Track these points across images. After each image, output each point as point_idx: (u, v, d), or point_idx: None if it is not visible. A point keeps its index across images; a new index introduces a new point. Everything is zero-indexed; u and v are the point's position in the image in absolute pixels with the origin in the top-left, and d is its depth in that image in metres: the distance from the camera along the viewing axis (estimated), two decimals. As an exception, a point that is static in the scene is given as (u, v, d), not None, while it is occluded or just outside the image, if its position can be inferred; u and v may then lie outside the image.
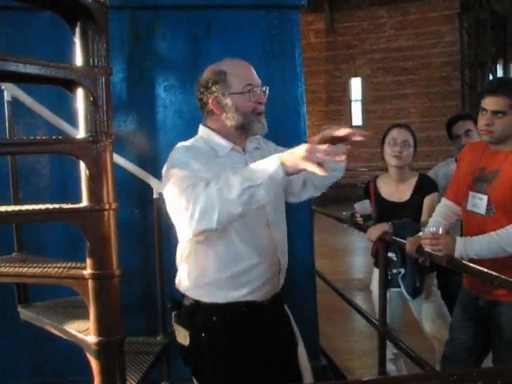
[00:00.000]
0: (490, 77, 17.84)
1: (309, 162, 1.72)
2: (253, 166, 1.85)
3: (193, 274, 2.19)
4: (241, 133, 2.20)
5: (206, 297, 2.19)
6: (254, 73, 2.22)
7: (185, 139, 2.27)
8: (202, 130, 2.26)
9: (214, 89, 2.16)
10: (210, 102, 2.18)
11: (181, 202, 1.89)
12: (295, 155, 1.76)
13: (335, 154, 1.72)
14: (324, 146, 1.74)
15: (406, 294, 3.35)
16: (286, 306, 2.44)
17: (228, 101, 2.15)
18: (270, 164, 1.79)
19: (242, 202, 1.80)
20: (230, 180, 1.82)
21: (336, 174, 2.38)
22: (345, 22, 21.70)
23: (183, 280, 2.23)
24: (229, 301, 2.18)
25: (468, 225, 2.95)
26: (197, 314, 2.21)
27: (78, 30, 1.82)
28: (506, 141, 2.81)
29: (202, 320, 2.20)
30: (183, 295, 2.27)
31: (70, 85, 1.83)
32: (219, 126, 2.21)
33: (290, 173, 1.79)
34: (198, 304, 2.20)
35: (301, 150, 1.75)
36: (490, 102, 2.78)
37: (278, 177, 1.77)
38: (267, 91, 2.22)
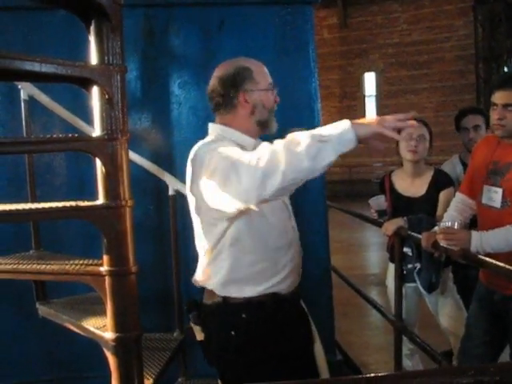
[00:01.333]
0: (505, 70, 17.69)
1: (383, 127, 1.70)
2: (321, 128, 1.76)
3: (223, 271, 2.17)
4: (261, 129, 2.22)
5: (236, 293, 2.18)
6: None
7: (199, 136, 2.24)
8: (217, 128, 2.23)
9: (242, 84, 2.17)
10: (238, 97, 2.18)
11: (238, 167, 1.79)
12: (367, 122, 1.73)
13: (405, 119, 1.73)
14: (393, 116, 1.74)
15: (421, 289, 3.34)
16: (302, 302, 2.46)
17: (256, 96, 2.18)
18: (340, 125, 1.72)
19: (309, 156, 1.69)
20: (297, 136, 1.73)
21: None
22: (358, 16, 21.62)
23: (211, 277, 2.21)
24: (257, 294, 2.18)
25: (483, 219, 2.93)
26: (224, 312, 2.20)
27: (92, 28, 1.84)
28: None
29: (230, 318, 2.19)
30: (202, 294, 2.26)
31: (85, 83, 1.85)
32: (239, 122, 2.20)
33: (361, 135, 1.70)
34: (225, 302, 2.20)
35: (371, 119, 1.74)
36: (499, 96, 2.78)
37: (348, 137, 1.70)
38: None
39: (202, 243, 2.25)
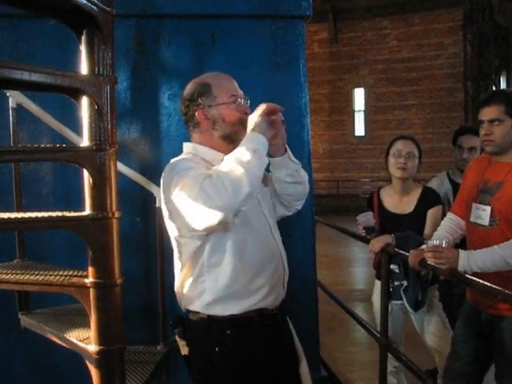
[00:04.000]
0: (493, 88, 17.87)
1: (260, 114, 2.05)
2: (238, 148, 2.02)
3: (206, 291, 2.17)
4: (228, 143, 2.22)
5: (221, 311, 2.17)
6: (237, 85, 2.27)
7: None
8: (188, 146, 2.29)
9: (200, 101, 2.20)
10: (196, 114, 2.21)
11: (205, 189, 1.90)
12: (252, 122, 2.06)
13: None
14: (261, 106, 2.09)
15: (408, 306, 3.34)
16: (288, 319, 2.45)
17: (215, 112, 2.19)
18: (248, 136, 2.04)
19: (258, 163, 1.97)
20: (237, 154, 1.97)
21: (299, 187, 2.41)
22: (348, 32, 21.78)
23: (194, 300, 2.20)
24: (242, 311, 2.17)
25: (471, 237, 2.94)
26: (208, 328, 2.19)
27: (83, 38, 1.82)
28: (509, 151, 2.82)
29: (215, 335, 2.18)
30: (188, 311, 2.25)
31: (74, 93, 1.83)
32: (206, 138, 2.24)
33: (262, 131, 2.05)
34: (210, 319, 2.18)
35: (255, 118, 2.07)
36: (484, 113, 2.82)
37: (261, 138, 2.02)
38: (249, 102, 2.26)
39: (177, 265, 2.27)
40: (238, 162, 1.94)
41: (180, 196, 2.01)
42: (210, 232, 2.07)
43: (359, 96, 22.02)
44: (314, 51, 21.68)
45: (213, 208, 1.90)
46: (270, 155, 2.26)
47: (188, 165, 2.10)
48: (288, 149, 2.36)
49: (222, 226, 2.01)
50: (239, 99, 2.21)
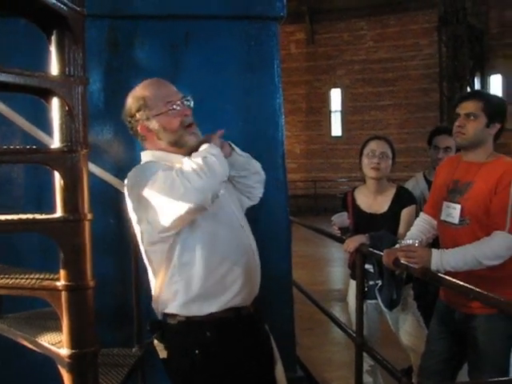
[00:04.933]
0: (468, 89, 18.07)
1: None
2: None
3: (180, 293, 2.18)
4: (178, 147, 2.24)
5: (197, 311, 2.18)
6: (173, 88, 2.27)
7: None
8: (147, 154, 2.30)
9: (138, 116, 2.22)
10: (139, 129, 2.23)
11: (184, 174, 1.99)
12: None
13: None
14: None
15: (382, 305, 3.35)
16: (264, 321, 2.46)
17: (154, 123, 2.21)
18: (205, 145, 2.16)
19: (222, 157, 2.11)
20: (203, 151, 2.11)
21: (255, 177, 2.47)
22: (325, 33, 21.87)
23: (169, 302, 2.21)
24: (219, 308, 2.18)
25: (443, 236, 2.97)
26: (188, 331, 2.20)
27: (53, 38, 1.80)
28: (478, 149, 2.86)
29: (194, 337, 2.19)
30: (165, 314, 2.24)
31: (45, 94, 1.81)
32: (158, 146, 2.26)
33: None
34: (188, 321, 2.19)
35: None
36: (462, 107, 2.86)
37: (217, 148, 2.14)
38: (191, 101, 2.26)
39: (150, 270, 2.28)
40: (206, 153, 2.06)
41: (151, 192, 2.03)
42: (180, 226, 2.08)
43: (336, 96, 22.12)
44: (291, 52, 21.74)
45: (193, 190, 1.96)
46: None
47: (155, 165, 2.13)
48: (233, 145, 2.38)
49: (198, 214, 2.06)
50: (175, 105, 2.21)
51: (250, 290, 2.30)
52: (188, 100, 2.25)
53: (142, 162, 2.29)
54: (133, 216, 2.20)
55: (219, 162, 2.07)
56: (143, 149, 2.33)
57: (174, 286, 2.18)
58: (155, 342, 2.29)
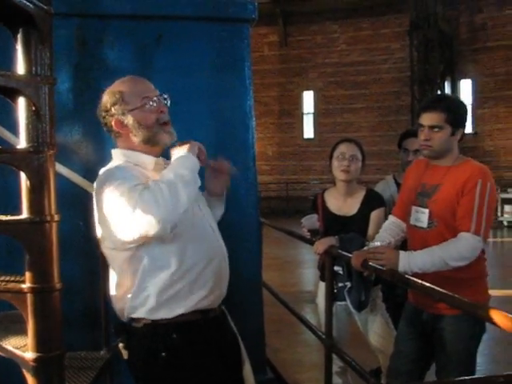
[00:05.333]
0: (438, 92, 18.30)
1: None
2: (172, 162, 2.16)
3: (152, 297, 2.15)
4: (151, 146, 2.22)
5: (166, 314, 2.16)
6: (150, 85, 2.27)
7: None
8: (117, 153, 2.28)
9: (113, 110, 2.20)
10: (113, 124, 2.21)
11: (145, 200, 1.95)
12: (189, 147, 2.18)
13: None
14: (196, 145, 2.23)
15: (351, 307, 3.37)
16: (231, 322, 2.45)
17: (129, 118, 2.19)
18: (181, 154, 2.16)
19: (193, 178, 2.10)
20: (174, 170, 2.08)
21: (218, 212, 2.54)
22: (298, 35, 21.97)
23: (138, 308, 2.18)
24: (186, 311, 2.17)
25: (412, 239, 3.00)
26: (154, 334, 2.18)
27: (19, 37, 1.78)
28: (445, 155, 2.89)
29: (161, 340, 2.17)
30: (131, 319, 2.22)
31: (11, 93, 1.79)
32: (130, 144, 2.24)
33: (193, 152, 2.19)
34: (154, 324, 2.17)
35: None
36: (426, 118, 2.87)
37: (193, 159, 2.16)
38: (168, 100, 2.26)
39: (113, 275, 2.26)
40: (175, 177, 2.03)
41: (114, 206, 2.02)
42: (137, 243, 2.08)
43: (308, 99, 22.23)
44: (264, 54, 21.79)
45: (152, 220, 1.94)
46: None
47: (125, 174, 2.10)
48: (224, 194, 2.48)
49: (155, 239, 2.05)
50: (152, 101, 2.20)
51: (219, 294, 2.30)
52: (165, 98, 2.24)
53: (112, 162, 2.27)
54: (96, 218, 2.18)
55: (188, 186, 2.05)
56: (115, 146, 2.30)
57: (145, 293, 2.15)
58: (120, 345, 2.27)
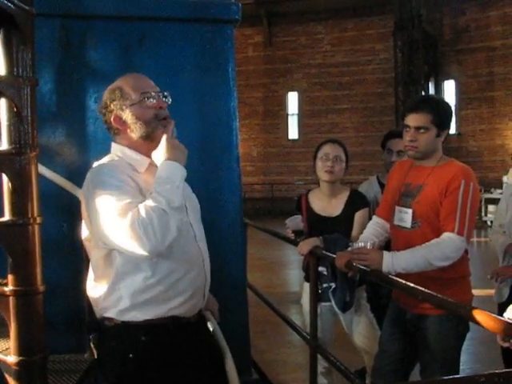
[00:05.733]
0: (423, 93, 18.41)
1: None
2: (159, 179, 2.05)
3: (124, 299, 2.13)
4: (149, 142, 2.20)
5: (135, 316, 2.14)
6: (150, 81, 2.25)
7: None
8: (114, 147, 2.26)
9: (112, 106, 2.18)
10: (112, 120, 2.19)
11: (135, 229, 1.92)
12: (164, 149, 2.11)
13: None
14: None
15: (336, 308, 3.38)
16: (210, 325, 2.45)
17: (127, 113, 2.17)
18: (169, 167, 2.08)
19: (181, 200, 2.04)
20: (164, 193, 2.00)
21: None
22: (283, 36, 22.02)
23: (110, 307, 2.17)
24: (157, 316, 2.15)
25: (395, 239, 3.02)
26: (123, 334, 2.16)
27: (0, 37, 1.78)
28: (430, 156, 2.91)
29: (129, 341, 2.16)
30: (103, 318, 2.21)
31: (-9, 94, 1.78)
32: (129, 142, 2.22)
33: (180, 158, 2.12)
34: (124, 325, 2.15)
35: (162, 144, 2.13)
36: (412, 119, 2.88)
37: (182, 170, 2.10)
38: (169, 97, 2.24)
39: (91, 269, 2.24)
40: (166, 205, 1.97)
41: (99, 212, 2.00)
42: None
43: (293, 100, 22.28)
44: (249, 55, 21.81)
45: (139, 249, 1.94)
46: None
47: (114, 178, 2.06)
48: None
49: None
50: (150, 96, 2.18)
51: (196, 303, 2.26)
52: (165, 96, 2.23)
53: (108, 156, 2.25)
54: (84, 210, 2.15)
55: (178, 214, 2.03)
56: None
57: (117, 293, 2.13)
58: (92, 343, 2.27)
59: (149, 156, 2.20)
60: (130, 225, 1.91)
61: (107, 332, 2.20)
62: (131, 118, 2.16)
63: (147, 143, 2.19)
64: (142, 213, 1.93)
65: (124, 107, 2.16)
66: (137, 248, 1.94)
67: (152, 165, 2.20)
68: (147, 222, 1.91)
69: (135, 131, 2.18)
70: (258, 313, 4.91)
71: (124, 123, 2.18)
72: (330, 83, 21.50)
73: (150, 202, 1.96)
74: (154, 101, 2.18)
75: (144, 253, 1.94)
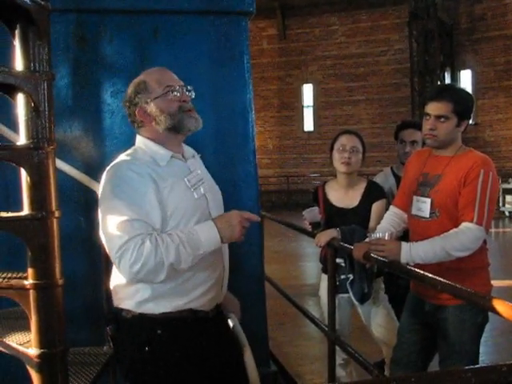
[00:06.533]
0: (439, 83, 18.26)
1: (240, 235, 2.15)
2: (194, 235, 2.09)
3: (141, 291, 2.15)
4: (175, 134, 2.24)
5: (152, 309, 2.16)
6: (174, 76, 2.28)
7: (132, 145, 2.29)
8: (139, 140, 2.29)
9: (137, 100, 2.22)
10: (136, 113, 2.22)
11: (124, 250, 2.01)
12: (231, 229, 2.12)
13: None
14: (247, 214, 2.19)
15: (354, 299, 3.37)
16: (231, 322, 2.45)
17: (152, 106, 2.20)
18: (211, 237, 2.10)
19: (188, 264, 2.09)
20: (182, 249, 2.05)
21: None
22: (297, 28, 21.94)
23: (127, 299, 2.19)
24: (175, 309, 2.16)
25: (413, 229, 3.00)
26: (140, 327, 2.18)
27: (17, 33, 1.78)
28: (448, 146, 2.88)
29: (145, 334, 2.17)
30: (120, 309, 2.23)
31: (9, 90, 1.79)
32: (153, 134, 2.24)
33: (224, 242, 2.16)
34: (141, 317, 2.17)
35: (234, 221, 2.13)
36: (433, 108, 2.85)
37: (217, 246, 2.14)
38: (192, 91, 2.27)
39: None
40: (172, 260, 2.04)
41: (107, 223, 2.08)
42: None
43: (308, 92, 22.22)
44: (263, 47, 21.77)
45: (119, 268, 2.06)
46: None
47: (128, 184, 2.09)
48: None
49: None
50: (174, 90, 2.21)
51: (213, 297, 2.28)
52: (189, 90, 2.26)
53: (132, 148, 2.27)
54: (100, 206, 2.17)
55: (190, 263, 2.10)
56: (131, 135, 2.33)
57: (135, 286, 2.15)
58: (110, 337, 2.30)
59: (172, 149, 2.23)
60: (125, 247, 2.01)
61: (124, 324, 2.22)
62: (156, 110, 2.19)
63: (173, 135, 2.23)
64: (143, 249, 2.00)
65: (149, 100, 2.20)
66: (117, 266, 2.05)
67: (174, 158, 2.22)
68: (140, 260, 2.00)
69: (160, 123, 2.20)
70: (275, 305, 4.91)
71: (149, 116, 2.21)
72: (345, 75, 21.41)
73: (160, 242, 2.02)
74: (178, 94, 2.21)
75: (121, 273, 2.07)
